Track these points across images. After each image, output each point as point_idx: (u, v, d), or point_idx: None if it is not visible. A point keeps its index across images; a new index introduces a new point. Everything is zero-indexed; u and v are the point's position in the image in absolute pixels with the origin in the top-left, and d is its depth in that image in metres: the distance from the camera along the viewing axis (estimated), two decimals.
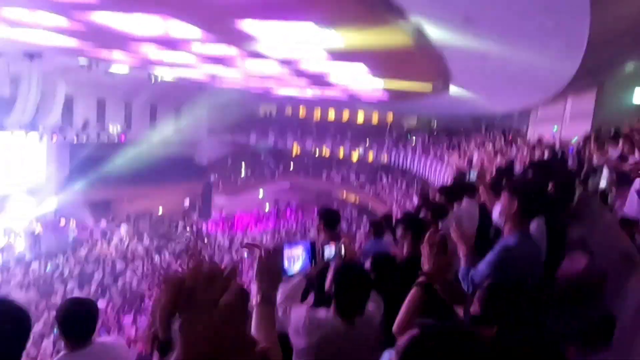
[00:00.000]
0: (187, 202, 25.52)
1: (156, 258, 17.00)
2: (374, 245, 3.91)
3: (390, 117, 28.11)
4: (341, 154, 26.94)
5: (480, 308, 1.75)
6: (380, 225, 4.25)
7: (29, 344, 9.38)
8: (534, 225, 2.46)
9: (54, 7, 7.81)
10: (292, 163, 28.80)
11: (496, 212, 2.41)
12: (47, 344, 9.83)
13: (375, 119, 28.87)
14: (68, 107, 19.05)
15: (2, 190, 18.43)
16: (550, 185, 3.07)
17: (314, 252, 1.72)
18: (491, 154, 11.53)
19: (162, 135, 24.76)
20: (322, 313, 2.21)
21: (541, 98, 12.12)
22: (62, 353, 2.30)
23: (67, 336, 2.28)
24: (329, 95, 20.14)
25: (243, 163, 28.51)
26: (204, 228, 22.31)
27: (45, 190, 20.16)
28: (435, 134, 24.70)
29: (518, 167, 7.33)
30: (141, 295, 13.57)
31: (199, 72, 15.61)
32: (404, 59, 9.50)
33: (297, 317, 2.14)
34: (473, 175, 3.96)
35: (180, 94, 23.06)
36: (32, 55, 14.06)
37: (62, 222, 19.53)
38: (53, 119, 17.94)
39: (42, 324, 10.85)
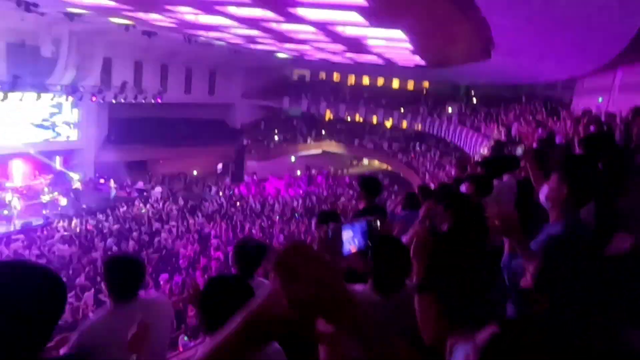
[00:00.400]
0: (220, 166, 25.90)
1: (190, 219, 17.43)
2: (408, 218, 3.85)
3: (426, 84, 27.42)
4: (374, 121, 26.59)
5: (534, 281, 1.64)
6: (416, 197, 4.16)
7: (70, 295, 9.89)
8: (584, 208, 2.29)
9: None
10: (324, 129, 28.64)
11: (542, 194, 2.23)
12: (89, 296, 10.32)
13: (410, 86, 28.23)
14: (106, 69, 19.37)
15: (45, 149, 19.15)
16: (600, 164, 2.90)
17: (370, 232, 1.69)
18: (532, 126, 11.12)
19: (197, 98, 25.03)
20: (359, 287, 2.17)
21: (591, 66, 11.52)
22: (108, 306, 2.38)
23: (113, 290, 2.36)
24: (364, 60, 19.72)
25: (276, 128, 28.54)
26: (235, 191, 22.67)
27: (85, 150, 20.83)
28: (472, 103, 24.01)
29: (560, 140, 7.05)
30: (176, 255, 14.01)
31: (234, 35, 15.50)
32: (443, 23, 9.14)
33: None
34: (519, 151, 3.76)
35: (215, 57, 23.06)
36: (72, 16, 14.22)
37: (102, 181, 20.22)
38: (92, 81, 18.30)
39: (84, 277, 11.39)
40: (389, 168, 26.26)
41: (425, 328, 1.70)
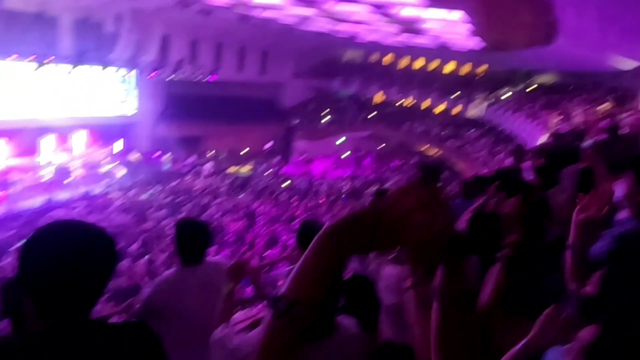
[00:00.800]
0: (269, 144, 26.25)
1: (238, 195, 17.87)
2: (463, 207, 3.77)
3: (482, 69, 26.47)
4: (425, 105, 26.02)
5: (597, 289, 1.60)
6: (472, 186, 4.07)
7: (125, 262, 10.42)
8: None
9: None
10: (373, 111, 28.34)
11: (618, 191, 2.10)
12: (142, 262, 10.84)
13: (465, 70, 27.34)
14: (164, 46, 19.93)
15: (106, 122, 20.06)
16: None
17: None
18: (596, 116, 10.55)
19: (249, 77, 25.36)
20: None
21: None
22: (177, 267, 2.50)
23: (182, 253, 2.48)
24: (418, 42, 19.27)
25: (325, 109, 28.52)
26: (283, 171, 22.97)
27: (142, 124, 21.66)
28: (530, 90, 22.99)
29: (626, 132, 6.65)
30: (223, 229, 14.43)
31: (288, 15, 15.51)
32: (508, 4, 8.77)
33: (389, 275, 2.16)
34: (587, 144, 3.56)
35: (268, 37, 23.20)
36: None
37: (157, 154, 21.00)
38: (151, 57, 18.90)
39: (137, 245, 11.97)
40: (439, 154, 25.72)
41: (486, 295, 1.70)
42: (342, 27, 17.63)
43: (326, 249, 0.75)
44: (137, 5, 16.51)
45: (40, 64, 15.40)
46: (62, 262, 1.06)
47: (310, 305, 0.73)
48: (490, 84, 24.56)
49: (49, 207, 14.85)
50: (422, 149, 27.83)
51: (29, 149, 17.14)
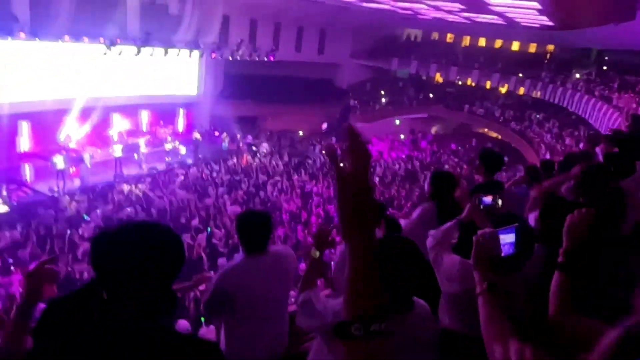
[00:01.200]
0: (325, 125, 26.29)
1: (294, 175, 18.11)
2: (527, 193, 3.64)
3: (550, 47, 25.04)
4: (488, 86, 25.03)
5: None
6: (537, 172, 3.91)
7: (186, 236, 10.91)
8: None
9: None
10: (432, 92, 27.61)
11: None
12: (202, 237, 11.32)
13: (532, 49, 25.97)
14: (224, 26, 20.29)
15: (169, 101, 20.84)
16: None
17: (521, 236, 1.66)
18: None
19: (306, 57, 25.38)
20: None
21: None
22: (241, 256, 2.63)
23: (246, 244, 2.59)
24: (482, 20, 18.45)
25: (382, 89, 28.10)
26: (338, 151, 22.95)
27: (202, 104, 22.31)
28: (603, 70, 21.51)
29: None
30: (279, 208, 14.72)
31: None
32: None
33: (450, 263, 2.14)
34: None
35: (326, 16, 23.02)
36: None
37: (216, 133, 21.62)
38: (212, 38, 19.32)
39: (198, 220, 12.49)
40: (499, 137, 24.77)
41: (553, 303, 1.65)
42: (403, 5, 17.17)
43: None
44: None
45: (109, 46, 16.14)
46: (133, 261, 1.15)
47: (375, 317, 0.80)
48: (559, 63, 23.21)
49: (117, 181, 15.77)
50: (482, 131, 26.91)
51: (100, 127, 18.17)
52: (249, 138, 22.18)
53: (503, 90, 24.94)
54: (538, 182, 3.70)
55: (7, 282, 8.50)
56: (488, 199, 2.31)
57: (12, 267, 9.38)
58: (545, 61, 24.06)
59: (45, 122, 16.63)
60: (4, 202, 13.37)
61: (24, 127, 16.34)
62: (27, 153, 16.33)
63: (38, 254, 10.31)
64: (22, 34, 14.25)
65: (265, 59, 21.52)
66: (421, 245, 2.46)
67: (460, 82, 25.98)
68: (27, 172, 15.36)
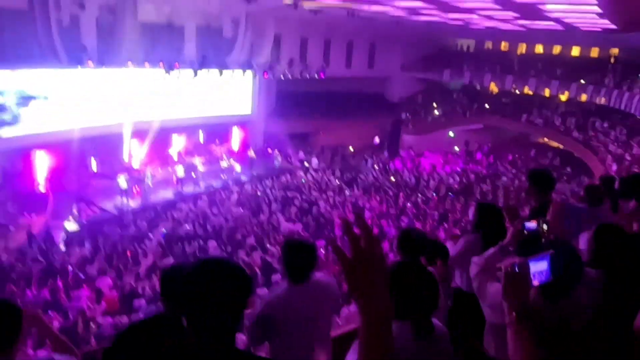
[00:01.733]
0: (377, 139, 26.20)
1: (346, 191, 18.13)
2: (588, 214, 3.45)
3: (614, 51, 23.74)
4: (547, 94, 24.04)
5: None
6: (598, 191, 3.69)
7: (242, 252, 11.17)
8: None
9: None
10: (487, 102, 26.86)
11: None
12: (257, 254, 11.53)
13: (594, 53, 24.74)
14: (276, 46, 20.84)
15: (224, 121, 21.55)
16: None
17: (562, 262, 1.62)
18: None
19: (357, 72, 25.52)
20: None
21: None
22: (285, 285, 2.68)
23: (290, 273, 2.65)
24: (538, 26, 17.84)
25: (434, 101, 27.68)
26: (390, 165, 22.78)
27: (256, 122, 22.90)
28: None
29: None
30: (331, 223, 14.76)
31: (397, 8, 15.28)
32: None
33: (495, 292, 2.07)
34: None
35: (376, 30, 23.11)
36: None
37: (269, 151, 22.09)
38: (264, 58, 19.87)
39: (253, 238, 12.75)
40: (561, 147, 23.65)
41: None
42: (453, 15, 16.94)
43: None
44: (252, 9, 17.44)
45: (168, 70, 16.98)
46: (206, 294, 1.34)
47: None
48: (625, 67, 21.94)
49: (177, 200, 16.43)
50: (542, 141, 25.81)
51: (160, 147, 19.07)
52: (301, 154, 22.48)
53: (563, 97, 23.86)
54: (599, 201, 3.51)
55: (77, 296, 9.03)
56: (532, 224, 2.24)
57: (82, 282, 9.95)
58: (610, 65, 22.82)
59: (110, 145, 17.69)
60: (75, 220, 14.28)
61: (92, 150, 17.45)
62: (95, 174, 17.41)
63: (105, 269, 10.91)
64: (90, 63, 15.28)
65: (316, 76, 21.83)
66: (466, 278, 2.41)
67: (517, 91, 25.14)
68: (95, 191, 16.35)
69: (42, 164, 16.13)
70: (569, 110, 24.47)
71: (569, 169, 21.35)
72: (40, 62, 14.73)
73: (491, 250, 2.30)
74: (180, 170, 17.46)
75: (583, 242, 2.38)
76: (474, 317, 2.32)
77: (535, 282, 1.58)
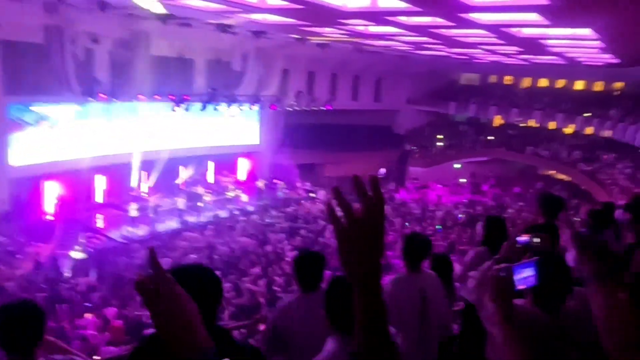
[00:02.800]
0: (383, 170, 26.33)
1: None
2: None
3: (619, 85, 24.00)
4: (552, 127, 24.20)
5: None
6: (601, 216, 3.72)
7: (247, 281, 11.10)
8: None
9: None
10: (493, 135, 27.05)
11: None
12: (262, 283, 11.47)
13: (598, 87, 25.00)
14: (284, 79, 21.29)
15: (231, 152, 21.83)
16: None
17: (541, 270, 1.69)
18: None
19: (363, 105, 25.90)
20: (520, 302, 2.19)
21: None
22: (297, 293, 2.76)
23: (301, 282, 2.73)
24: (542, 61, 18.16)
25: (440, 133, 27.92)
26: (396, 196, 22.80)
27: (263, 153, 23.15)
28: None
29: None
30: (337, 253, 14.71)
31: (403, 43, 15.66)
32: None
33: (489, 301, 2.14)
34: None
35: (382, 64, 23.58)
36: (258, 33, 15.97)
37: (275, 182, 22.23)
38: (272, 91, 20.27)
39: (259, 268, 12.70)
40: (568, 179, 23.61)
41: (612, 331, 1.47)
42: (458, 51, 17.32)
43: None
44: (261, 44, 17.94)
45: (178, 103, 17.35)
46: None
47: None
48: (630, 101, 22.12)
49: (182, 229, 16.48)
50: (549, 173, 25.80)
51: (167, 177, 19.29)
52: (307, 185, 22.59)
53: (568, 130, 24.00)
54: (604, 225, 3.53)
55: (83, 324, 8.99)
56: (524, 238, 2.31)
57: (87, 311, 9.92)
58: (614, 99, 23.02)
59: (118, 174, 17.91)
60: (82, 250, 14.33)
61: (100, 180, 17.66)
62: (102, 203, 17.56)
63: (108, 298, 10.88)
64: (102, 95, 15.67)
65: (323, 109, 22.18)
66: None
67: (522, 124, 25.33)
68: (102, 220, 16.46)
69: (50, 193, 16.33)
70: (576, 142, 24.57)
71: (576, 202, 21.24)
72: (54, 94, 15.14)
73: (486, 264, 2.36)
74: (185, 201, 17.58)
75: (570, 259, 2.42)
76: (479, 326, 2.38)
77: (521, 286, 1.64)
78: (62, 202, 16.30)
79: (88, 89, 15.39)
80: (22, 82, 15.01)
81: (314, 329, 2.63)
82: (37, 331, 1.92)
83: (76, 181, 16.46)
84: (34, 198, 16.03)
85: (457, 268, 3.44)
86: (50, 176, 16.14)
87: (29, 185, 16.01)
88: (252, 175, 22.34)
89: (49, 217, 15.94)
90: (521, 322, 2.00)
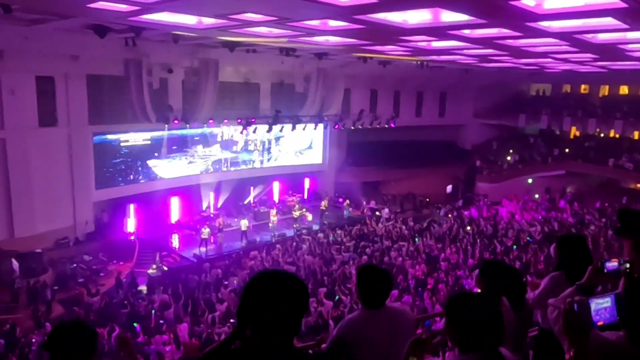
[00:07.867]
0: (449, 187, 25.61)
1: (418, 241, 17.66)
2: None
3: None
4: (636, 137, 22.47)
5: None
6: None
7: (314, 301, 11.08)
8: None
9: (338, 14, 8.83)
10: (568, 147, 25.51)
11: None
12: (329, 304, 11.42)
13: None
14: (346, 98, 21.47)
15: (297, 171, 22.21)
16: None
17: (621, 305, 1.54)
18: None
19: (427, 121, 25.49)
20: (611, 335, 1.91)
21: None
22: (360, 310, 2.72)
23: (365, 298, 2.68)
24: (621, 67, 16.99)
25: (510, 147, 26.75)
26: (465, 214, 22.00)
27: (327, 172, 23.33)
28: None
29: None
30: (404, 273, 14.35)
31: (467, 56, 15.29)
32: None
33: None
34: None
35: (446, 79, 23.14)
36: (320, 54, 16.26)
37: (340, 200, 22.27)
38: (334, 110, 20.48)
39: (325, 288, 12.68)
40: None
41: None
42: (527, 61, 16.62)
43: None
44: (323, 65, 18.24)
45: (245, 126, 17.97)
46: (271, 301, 1.49)
47: None
48: None
49: (250, 248, 16.88)
50: (635, 187, 23.85)
51: (236, 199, 19.94)
52: (372, 203, 22.41)
53: None
54: None
55: (158, 340, 9.40)
56: (613, 263, 2.09)
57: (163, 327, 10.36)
58: None
59: (190, 196, 18.79)
60: (158, 267, 15.08)
61: (174, 202, 18.59)
62: (176, 224, 18.45)
63: (181, 315, 11.30)
64: (175, 122, 16.60)
65: (386, 126, 22.05)
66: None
67: (601, 135, 23.72)
68: (176, 240, 17.26)
69: (132, 215, 17.43)
70: None
71: None
72: (132, 122, 16.25)
73: (567, 291, 2.18)
74: (252, 220, 18.06)
75: None
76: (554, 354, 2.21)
77: (600, 322, 1.50)
78: (141, 223, 17.33)
79: (163, 116, 16.37)
80: (104, 112, 16.28)
81: (376, 344, 2.58)
82: (89, 351, 2.02)
83: (153, 203, 17.47)
84: (116, 219, 17.17)
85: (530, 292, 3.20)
86: (132, 199, 17.25)
87: (113, 207, 17.20)
88: (317, 195, 22.55)
89: (129, 237, 16.94)
90: (605, 355, 1.81)
